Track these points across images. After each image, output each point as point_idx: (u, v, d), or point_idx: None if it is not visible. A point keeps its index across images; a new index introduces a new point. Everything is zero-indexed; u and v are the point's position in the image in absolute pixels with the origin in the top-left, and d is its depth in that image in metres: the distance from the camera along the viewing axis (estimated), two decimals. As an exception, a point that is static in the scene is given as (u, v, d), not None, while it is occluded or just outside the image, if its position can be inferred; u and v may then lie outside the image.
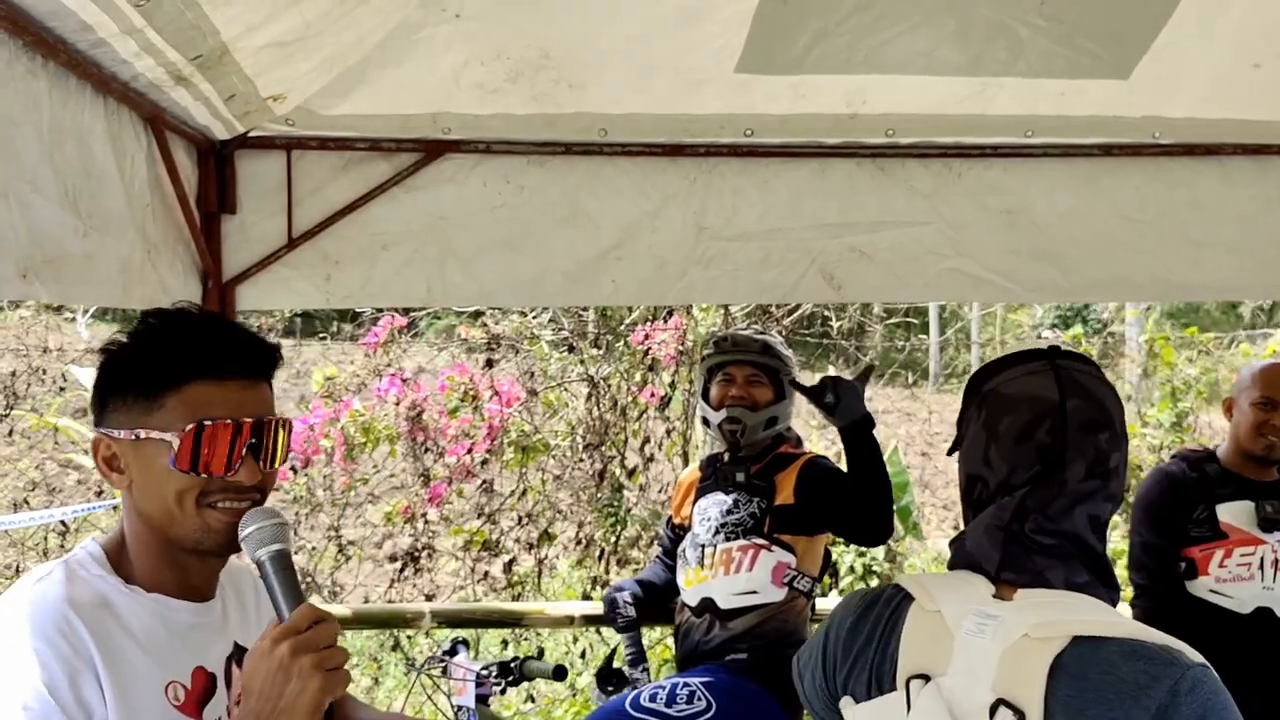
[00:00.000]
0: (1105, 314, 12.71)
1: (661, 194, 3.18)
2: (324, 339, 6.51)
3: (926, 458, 9.78)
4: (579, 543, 5.08)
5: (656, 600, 3.31)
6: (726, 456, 3.20)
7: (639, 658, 3.11)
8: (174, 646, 1.42)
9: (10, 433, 5.50)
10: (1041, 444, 1.43)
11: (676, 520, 3.33)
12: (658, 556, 3.50)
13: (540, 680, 3.08)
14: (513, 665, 2.54)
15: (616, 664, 3.06)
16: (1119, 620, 1.34)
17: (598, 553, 4.93)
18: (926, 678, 1.36)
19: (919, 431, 10.23)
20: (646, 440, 5.14)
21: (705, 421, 3.27)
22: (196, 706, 1.43)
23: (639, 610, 3.20)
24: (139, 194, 2.34)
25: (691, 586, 3.06)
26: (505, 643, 4.65)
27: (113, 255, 2.15)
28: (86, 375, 6.71)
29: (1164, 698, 1.21)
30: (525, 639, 4.80)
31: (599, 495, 5.02)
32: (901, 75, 2.89)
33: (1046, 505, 1.40)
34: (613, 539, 5.00)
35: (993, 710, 1.28)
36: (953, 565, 1.49)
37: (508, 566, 4.90)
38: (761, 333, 3.33)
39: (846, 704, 1.47)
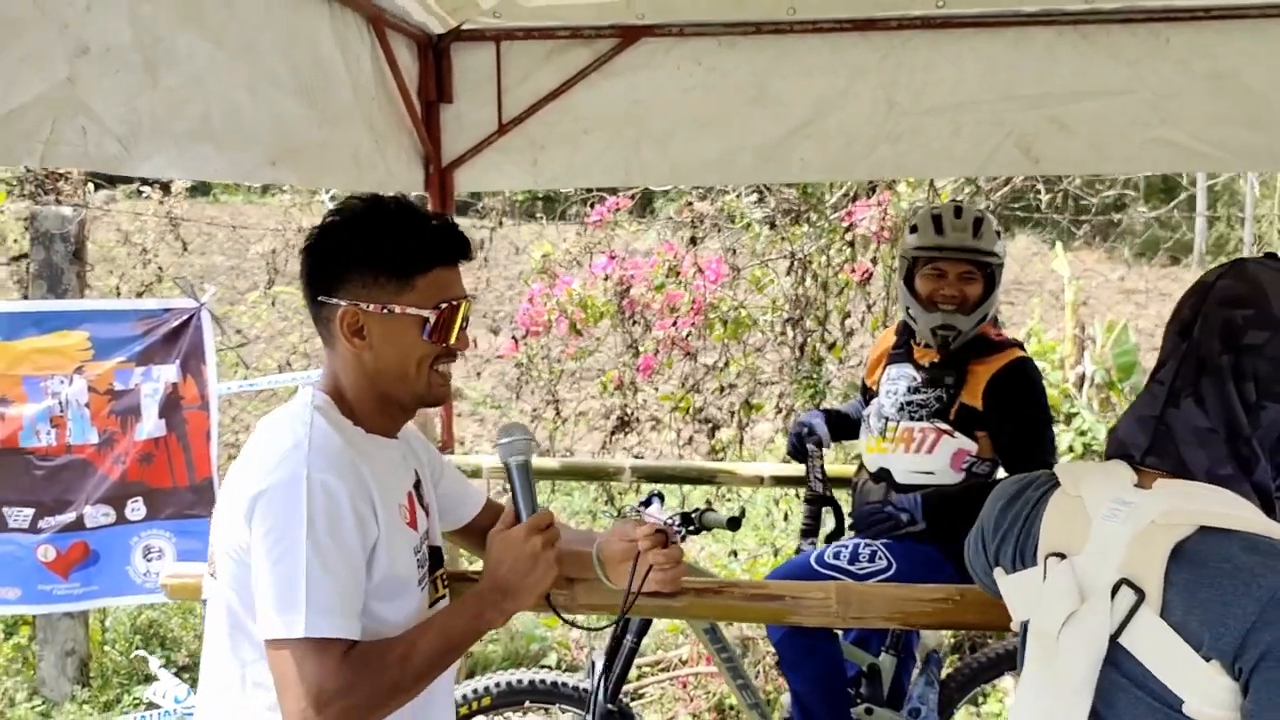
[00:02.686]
0: None
1: (851, 70, 3.23)
2: (539, 218, 6.87)
3: None
4: (779, 411, 5.29)
5: (846, 433, 3.38)
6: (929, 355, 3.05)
7: (811, 530, 3.15)
8: (392, 474, 1.72)
9: (273, 303, 6.19)
10: (1183, 319, 1.49)
11: (869, 382, 3.29)
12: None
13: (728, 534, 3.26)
14: (693, 515, 2.77)
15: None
16: (1248, 515, 1.37)
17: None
18: (1063, 555, 1.47)
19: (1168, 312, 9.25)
20: (847, 315, 5.24)
21: (908, 312, 3.05)
22: (414, 521, 1.74)
23: (824, 478, 3.20)
24: (365, 88, 2.63)
25: (871, 454, 3.09)
26: (708, 502, 4.94)
27: (345, 144, 2.45)
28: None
29: (1276, 589, 1.25)
30: (729, 499, 5.11)
31: (799, 368, 5.18)
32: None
33: (1190, 385, 1.44)
34: (812, 408, 5.17)
35: (1115, 588, 1.37)
36: (1107, 453, 1.57)
37: (711, 432, 5.19)
38: (979, 219, 3.00)
39: (998, 574, 1.61)
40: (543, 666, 4.32)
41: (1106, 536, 1.42)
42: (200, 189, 8.11)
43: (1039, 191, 5.84)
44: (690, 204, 5.17)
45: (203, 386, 4.26)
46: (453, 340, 1.70)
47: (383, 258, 1.65)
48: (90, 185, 5.03)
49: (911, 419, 2.97)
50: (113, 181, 5.36)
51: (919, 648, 3.13)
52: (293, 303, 6.25)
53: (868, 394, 3.28)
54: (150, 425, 4.14)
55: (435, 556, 1.82)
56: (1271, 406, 1.43)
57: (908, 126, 3.25)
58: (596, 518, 5.43)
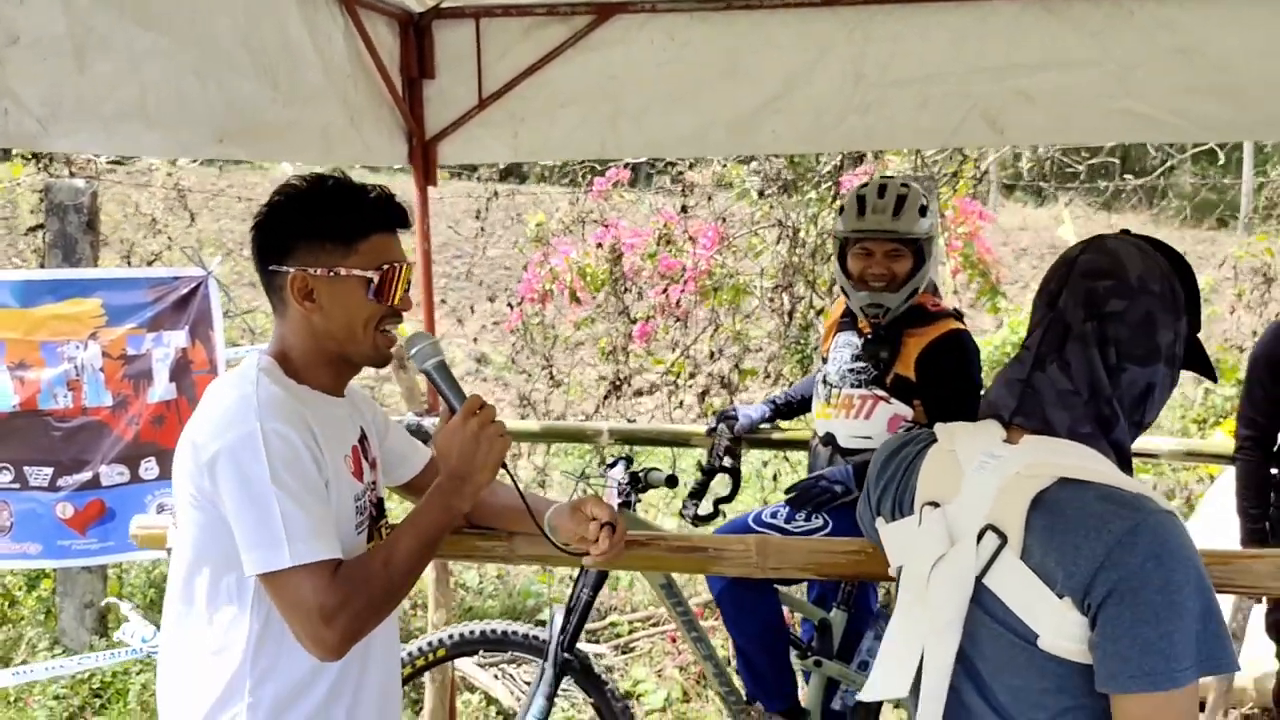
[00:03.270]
0: None
1: (819, 44, 3.31)
2: (524, 178, 6.97)
3: (1209, 303, 8.73)
4: (768, 376, 5.41)
5: (791, 415, 3.52)
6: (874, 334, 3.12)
7: (699, 493, 3.25)
8: (338, 427, 1.87)
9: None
10: (1049, 291, 1.61)
11: (823, 350, 3.39)
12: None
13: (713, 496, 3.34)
14: (640, 475, 2.90)
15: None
16: (1104, 468, 1.49)
17: (786, 386, 5.25)
18: (936, 504, 1.59)
19: (1212, 275, 8.88)
20: (834, 282, 5.32)
21: (844, 290, 3.14)
22: (359, 472, 1.89)
23: (735, 456, 3.32)
24: (339, 67, 2.76)
25: (819, 419, 3.21)
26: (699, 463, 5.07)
27: (312, 121, 2.59)
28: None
29: (1122, 534, 1.37)
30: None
31: (788, 333, 5.29)
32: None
33: (1055, 350, 1.55)
34: (800, 373, 5.29)
35: (981, 533, 1.49)
36: (980, 414, 1.68)
37: (701, 396, 5.32)
38: (900, 198, 3.03)
39: (879, 523, 1.75)
40: (539, 622, 4.49)
41: (975, 486, 1.54)
42: (207, 160, 8.31)
43: (1085, 156, 5.84)
44: (680, 174, 5.28)
45: (211, 351, 4.43)
46: (396, 300, 1.83)
47: (326, 226, 1.78)
48: (101, 159, 5.21)
49: (852, 386, 3.08)
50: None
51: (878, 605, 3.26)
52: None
53: (825, 360, 3.38)
54: (161, 388, 4.31)
55: (378, 508, 1.97)
56: (1131, 368, 1.54)
57: (875, 99, 3.32)
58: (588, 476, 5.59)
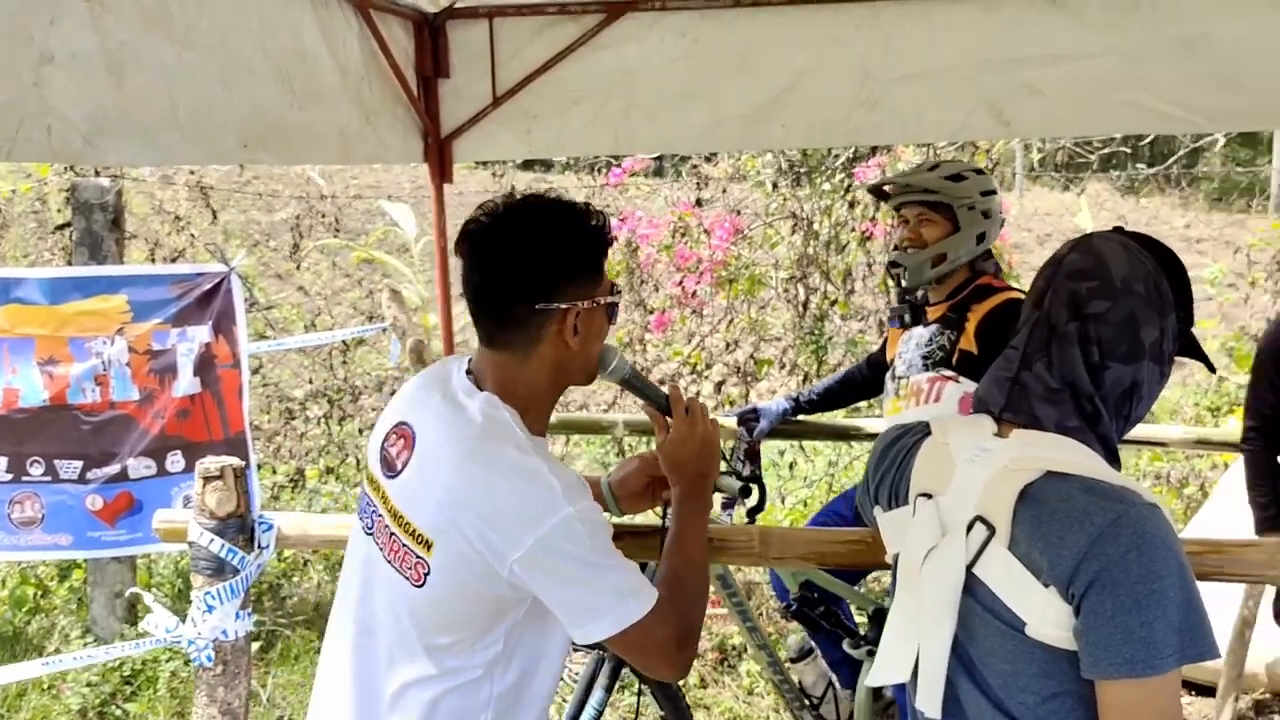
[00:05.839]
0: None
1: (827, 41, 3.35)
2: (547, 169, 7.02)
3: (1233, 288, 8.73)
4: (783, 367, 5.46)
5: (835, 403, 3.57)
6: (899, 297, 3.23)
7: (730, 503, 3.12)
8: None
9: (299, 266, 6.50)
10: (1037, 290, 1.66)
11: (889, 358, 3.36)
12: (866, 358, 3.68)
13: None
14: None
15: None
16: (1089, 462, 1.54)
17: (801, 376, 5.31)
18: (930, 495, 1.64)
19: (1232, 261, 8.80)
20: (848, 273, 5.38)
21: None
22: None
23: (757, 462, 3.35)
24: (353, 69, 2.83)
25: (890, 415, 3.19)
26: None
27: (329, 122, 2.66)
28: (396, 209, 7.62)
29: (1105, 525, 1.41)
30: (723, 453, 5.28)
31: (803, 324, 5.34)
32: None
33: (1042, 349, 1.60)
34: (815, 364, 5.34)
35: (971, 524, 1.54)
36: (972, 410, 1.74)
37: (718, 387, 5.37)
38: (936, 164, 3.17)
39: (877, 511, 1.80)
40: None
41: (966, 479, 1.60)
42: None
43: (1098, 146, 5.86)
44: (695, 167, 5.32)
45: (234, 346, 4.52)
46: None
47: (583, 255, 1.76)
48: (126, 157, 5.28)
49: (921, 371, 3.07)
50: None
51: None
52: (313, 267, 6.52)
53: (885, 365, 3.38)
54: (186, 383, 4.41)
55: None
56: (1115, 366, 1.59)
57: (883, 94, 3.36)
58: (608, 468, 5.68)
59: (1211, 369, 1.84)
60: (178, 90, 1.95)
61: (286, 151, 2.40)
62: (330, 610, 1.91)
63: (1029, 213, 12.34)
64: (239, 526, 2.28)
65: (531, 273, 1.71)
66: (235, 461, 2.32)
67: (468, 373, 1.79)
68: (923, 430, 1.75)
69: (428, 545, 1.67)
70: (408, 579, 1.70)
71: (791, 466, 5.39)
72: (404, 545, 1.71)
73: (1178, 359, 1.70)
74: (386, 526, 1.75)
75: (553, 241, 1.72)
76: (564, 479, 1.68)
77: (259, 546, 2.31)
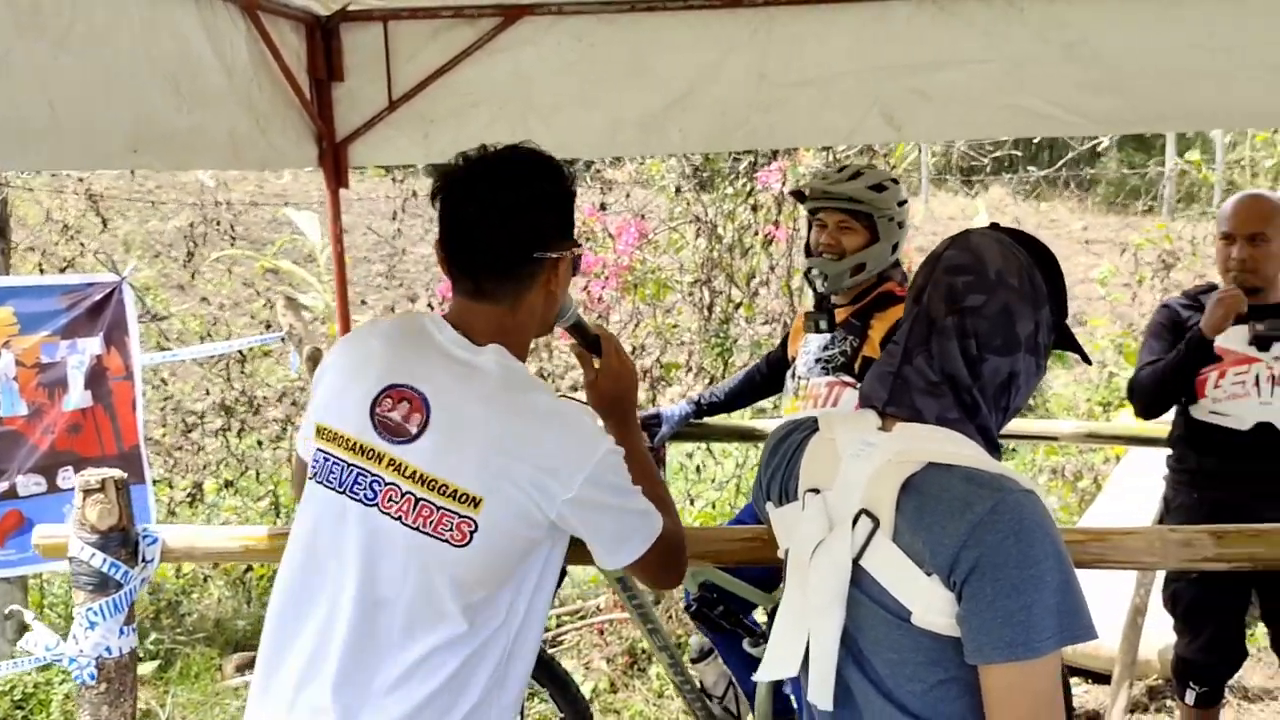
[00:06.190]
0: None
1: (723, 45, 3.38)
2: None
3: (1127, 287, 8.87)
4: (689, 370, 5.50)
5: (740, 402, 3.58)
6: (815, 302, 3.21)
7: None
8: None
9: (193, 276, 6.36)
10: (917, 286, 1.69)
11: (790, 354, 3.37)
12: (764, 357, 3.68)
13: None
14: None
15: None
16: (969, 452, 1.56)
17: (708, 379, 5.35)
18: (818, 490, 1.66)
19: (1121, 261, 9.06)
20: (752, 276, 5.44)
21: None
22: None
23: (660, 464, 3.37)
24: (242, 72, 2.77)
25: (787, 415, 3.20)
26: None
27: (217, 127, 2.60)
28: (301, 217, 7.50)
29: (983, 514, 1.44)
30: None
31: (709, 327, 5.39)
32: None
33: (922, 343, 1.64)
34: (721, 366, 5.39)
35: (856, 517, 1.56)
36: (859, 403, 1.77)
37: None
38: (858, 172, 3.10)
39: (769, 507, 1.82)
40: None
41: (852, 473, 1.62)
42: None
43: (989, 149, 6.01)
44: (599, 171, 5.33)
45: (127, 358, 4.40)
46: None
47: (569, 205, 1.81)
48: (10, 165, 5.13)
49: (820, 374, 3.09)
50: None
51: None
52: (218, 278, 6.40)
53: (787, 361, 3.40)
54: (77, 396, 4.28)
55: None
56: (992, 358, 1.62)
57: (778, 98, 3.41)
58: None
59: (1087, 361, 1.89)
60: (55, 93, 1.89)
61: (174, 156, 2.34)
62: (263, 616, 1.83)
63: (934, 217, 12.61)
64: (121, 540, 2.21)
65: (534, 222, 1.74)
66: (116, 473, 2.25)
67: (453, 328, 1.79)
68: (811, 426, 1.77)
69: (475, 503, 1.67)
70: (446, 541, 1.68)
71: (699, 469, 5.44)
72: (440, 508, 1.68)
73: (1061, 353, 1.75)
74: (408, 493, 1.69)
75: (549, 191, 1.76)
76: (591, 416, 1.79)
77: (143, 560, 2.25)
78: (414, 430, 1.70)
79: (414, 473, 1.69)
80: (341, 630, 1.71)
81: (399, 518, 1.69)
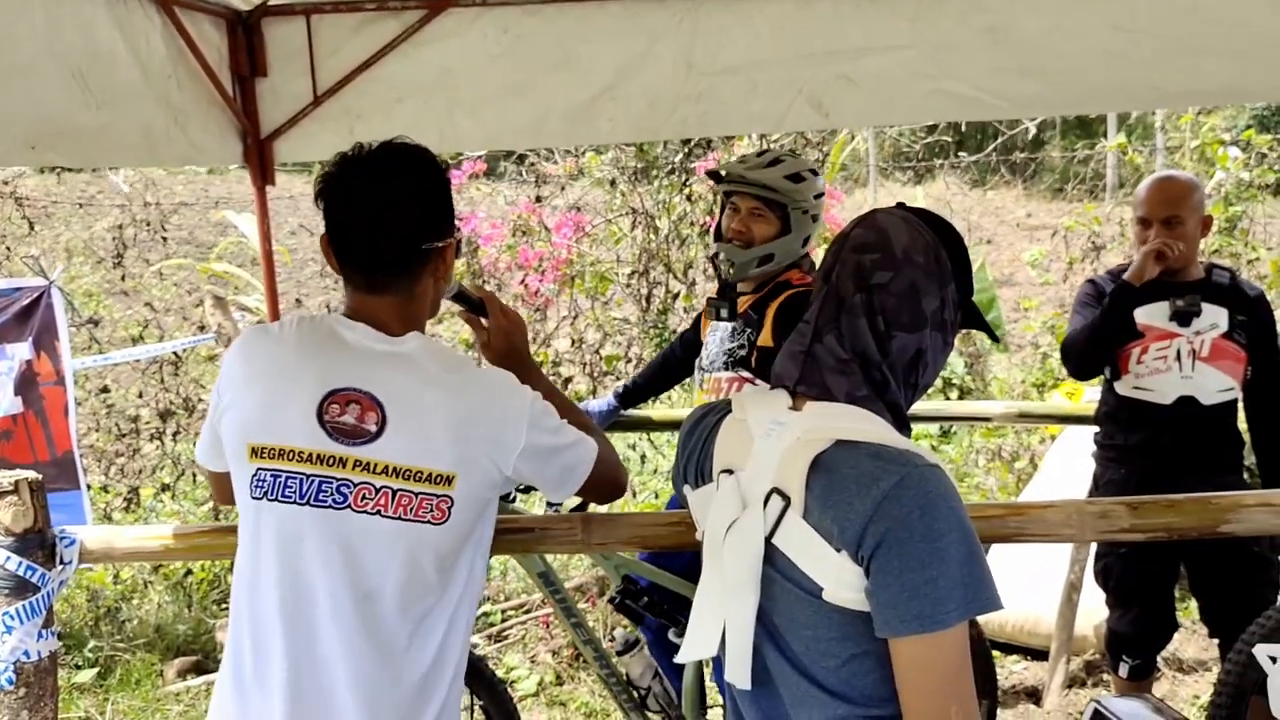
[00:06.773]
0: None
1: (650, 35, 3.38)
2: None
3: (1069, 268, 8.90)
4: (629, 360, 5.51)
5: (663, 385, 3.58)
6: (719, 289, 3.14)
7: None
8: None
9: (123, 277, 6.25)
10: (826, 265, 1.71)
11: (702, 336, 3.33)
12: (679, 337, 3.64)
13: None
14: None
15: None
16: (877, 429, 1.58)
17: (647, 369, 5.37)
18: (731, 471, 1.67)
19: (1056, 248, 9.05)
20: (689, 266, 5.46)
21: None
22: None
23: None
24: (158, 68, 2.73)
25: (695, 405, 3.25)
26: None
27: (131, 123, 2.56)
28: (244, 220, 7.41)
29: (889, 488, 1.45)
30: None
31: (647, 318, 5.40)
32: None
33: (832, 322, 1.65)
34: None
35: (768, 496, 1.58)
36: (770, 385, 1.78)
37: (565, 384, 5.38)
38: (778, 160, 3.01)
39: (686, 490, 1.84)
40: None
41: (763, 453, 1.63)
42: (44, 169, 8.04)
43: (920, 136, 6.05)
44: (533, 165, 5.32)
45: (57, 362, 4.34)
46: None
47: (449, 194, 1.88)
48: (-69, 168, 5.03)
49: (723, 368, 3.07)
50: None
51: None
52: (141, 274, 6.30)
53: (699, 344, 3.35)
54: (6, 403, 4.21)
55: None
56: (900, 335, 1.64)
57: (706, 87, 3.41)
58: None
59: (994, 339, 1.92)
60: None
61: (80, 153, 2.30)
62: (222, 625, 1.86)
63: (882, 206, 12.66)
64: (38, 542, 2.18)
65: (419, 215, 1.80)
66: (31, 475, 2.21)
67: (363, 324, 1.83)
68: (725, 409, 1.78)
69: (449, 481, 1.76)
70: (428, 522, 1.77)
71: (643, 460, 5.45)
72: (418, 494, 1.76)
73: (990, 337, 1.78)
74: (383, 488, 1.75)
75: (434, 183, 1.83)
76: (506, 372, 1.89)
77: (61, 562, 2.21)
78: (373, 429, 1.74)
79: (385, 468, 1.74)
80: (341, 628, 1.77)
81: (377, 513, 1.75)
